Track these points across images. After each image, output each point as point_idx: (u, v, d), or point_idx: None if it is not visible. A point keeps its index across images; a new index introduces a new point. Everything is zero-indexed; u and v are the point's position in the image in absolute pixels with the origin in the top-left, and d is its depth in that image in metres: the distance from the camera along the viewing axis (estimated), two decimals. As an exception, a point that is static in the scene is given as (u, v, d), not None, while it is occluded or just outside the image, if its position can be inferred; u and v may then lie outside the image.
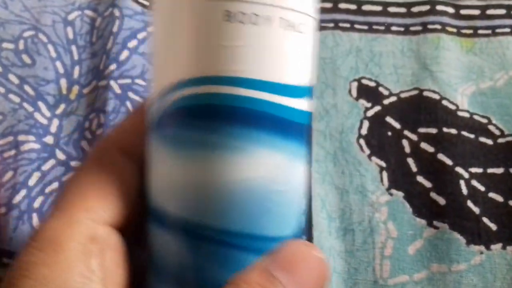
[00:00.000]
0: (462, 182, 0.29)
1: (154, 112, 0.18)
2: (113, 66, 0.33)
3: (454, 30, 0.35)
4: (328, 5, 0.36)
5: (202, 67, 0.17)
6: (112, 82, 0.32)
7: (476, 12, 0.36)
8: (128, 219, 0.19)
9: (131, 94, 0.32)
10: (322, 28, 0.35)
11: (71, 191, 0.18)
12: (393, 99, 0.32)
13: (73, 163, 0.31)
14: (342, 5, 0.36)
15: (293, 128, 0.18)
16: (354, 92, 0.33)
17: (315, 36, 0.18)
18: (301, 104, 0.18)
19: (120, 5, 0.35)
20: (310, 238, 0.28)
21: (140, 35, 0.35)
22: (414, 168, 0.30)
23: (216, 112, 0.17)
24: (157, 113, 0.18)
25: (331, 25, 0.35)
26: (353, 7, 0.36)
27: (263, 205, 0.17)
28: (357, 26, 0.35)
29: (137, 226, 0.20)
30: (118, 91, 0.32)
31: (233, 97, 0.17)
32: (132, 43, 0.34)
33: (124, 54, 0.34)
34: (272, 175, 0.17)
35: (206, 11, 0.16)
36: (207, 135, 0.17)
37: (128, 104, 0.32)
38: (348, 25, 0.35)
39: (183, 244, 0.17)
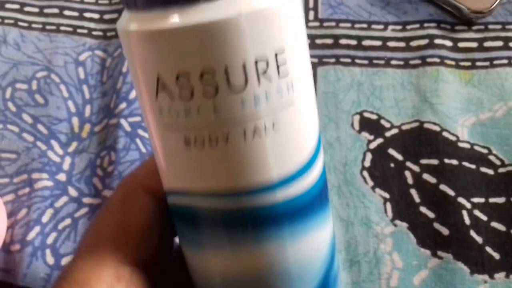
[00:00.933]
0: (464, 212, 0.30)
1: None
2: (123, 105, 0.34)
3: (453, 62, 0.36)
4: (329, 41, 0.37)
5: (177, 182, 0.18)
6: (122, 120, 0.34)
7: (474, 44, 0.37)
8: (151, 258, 0.20)
9: (140, 132, 0.34)
10: (323, 64, 0.36)
11: (98, 231, 0.19)
12: (394, 131, 0.33)
13: (85, 200, 0.32)
14: (343, 41, 0.37)
15: (272, 219, 0.17)
16: (357, 125, 0.34)
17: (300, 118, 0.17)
18: (281, 194, 0.17)
19: (129, 45, 0.37)
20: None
21: (149, 74, 0.36)
22: (417, 199, 0.31)
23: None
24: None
25: (332, 60, 0.37)
26: (353, 42, 0.37)
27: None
28: (357, 61, 0.36)
29: (159, 263, 0.21)
30: (128, 129, 0.33)
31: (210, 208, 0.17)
32: (141, 82, 0.36)
33: (134, 93, 0.35)
34: (269, 263, 0.18)
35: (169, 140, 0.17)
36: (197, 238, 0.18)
37: (138, 141, 0.33)
38: (349, 60, 0.36)
39: None
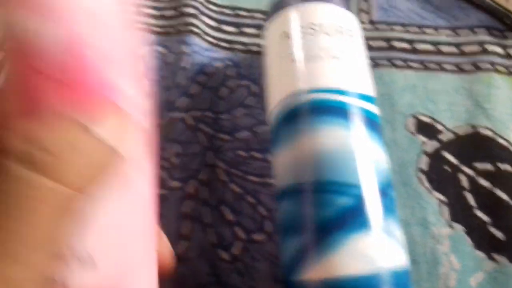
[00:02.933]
0: (519, 217, 0.31)
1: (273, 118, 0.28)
2: (184, 99, 0.35)
3: (504, 69, 0.37)
4: (383, 43, 0.38)
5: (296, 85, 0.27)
6: (184, 115, 0.34)
7: (524, 52, 0.37)
8: None
9: (202, 126, 0.34)
10: (378, 65, 0.37)
11: None
12: (449, 135, 0.34)
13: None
14: (396, 44, 0.38)
15: (351, 113, 0.26)
16: (412, 127, 0.35)
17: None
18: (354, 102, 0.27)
19: (188, 42, 0.37)
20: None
21: (208, 70, 0.37)
22: (472, 203, 0.32)
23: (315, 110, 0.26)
24: (276, 117, 0.28)
25: (386, 62, 0.37)
26: (406, 45, 0.38)
27: (339, 163, 0.24)
28: (411, 64, 0.37)
29: None
30: (190, 122, 0.34)
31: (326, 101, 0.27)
32: (200, 78, 0.36)
33: (194, 88, 0.36)
34: (341, 144, 0.25)
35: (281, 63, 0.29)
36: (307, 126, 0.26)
37: (200, 134, 0.34)
38: (402, 63, 0.37)
39: (294, 201, 0.25)
